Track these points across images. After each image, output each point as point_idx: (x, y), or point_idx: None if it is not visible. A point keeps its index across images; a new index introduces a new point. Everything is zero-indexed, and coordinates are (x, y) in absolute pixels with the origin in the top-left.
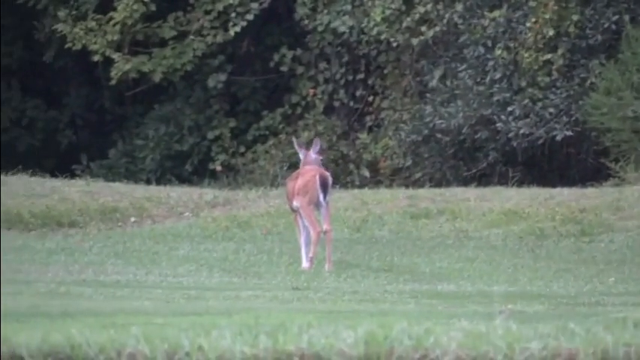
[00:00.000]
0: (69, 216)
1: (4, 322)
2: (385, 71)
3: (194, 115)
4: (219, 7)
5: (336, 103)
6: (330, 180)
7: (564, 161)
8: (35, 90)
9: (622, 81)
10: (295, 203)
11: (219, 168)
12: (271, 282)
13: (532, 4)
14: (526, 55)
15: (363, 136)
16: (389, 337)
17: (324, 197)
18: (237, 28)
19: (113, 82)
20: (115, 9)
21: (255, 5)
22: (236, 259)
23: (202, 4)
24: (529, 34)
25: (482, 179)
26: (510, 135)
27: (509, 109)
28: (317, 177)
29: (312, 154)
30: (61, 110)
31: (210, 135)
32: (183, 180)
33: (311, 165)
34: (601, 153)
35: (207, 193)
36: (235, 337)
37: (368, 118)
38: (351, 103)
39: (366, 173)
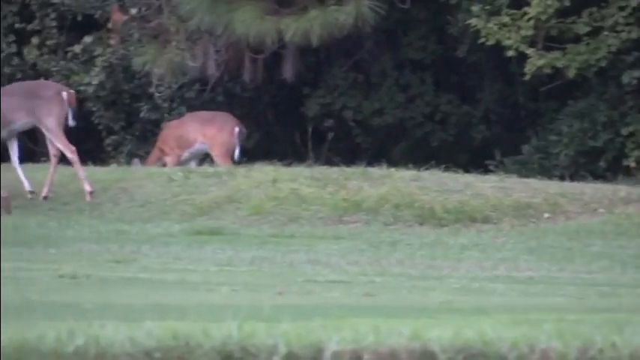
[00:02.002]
0: (482, 212)
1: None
2: None
3: (608, 111)
4: (634, 3)
5: None
6: None
7: None
8: (449, 85)
9: None
10: None
11: (633, 164)
12: None
13: None
14: None
15: None
16: None
17: None
18: None
19: (527, 77)
20: (529, 4)
21: None
22: None
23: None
24: None
25: None
26: None
27: None
28: None
29: None
30: (474, 105)
31: (624, 131)
32: (597, 176)
33: None
34: None
35: (621, 189)
36: None
37: None
38: None
39: None
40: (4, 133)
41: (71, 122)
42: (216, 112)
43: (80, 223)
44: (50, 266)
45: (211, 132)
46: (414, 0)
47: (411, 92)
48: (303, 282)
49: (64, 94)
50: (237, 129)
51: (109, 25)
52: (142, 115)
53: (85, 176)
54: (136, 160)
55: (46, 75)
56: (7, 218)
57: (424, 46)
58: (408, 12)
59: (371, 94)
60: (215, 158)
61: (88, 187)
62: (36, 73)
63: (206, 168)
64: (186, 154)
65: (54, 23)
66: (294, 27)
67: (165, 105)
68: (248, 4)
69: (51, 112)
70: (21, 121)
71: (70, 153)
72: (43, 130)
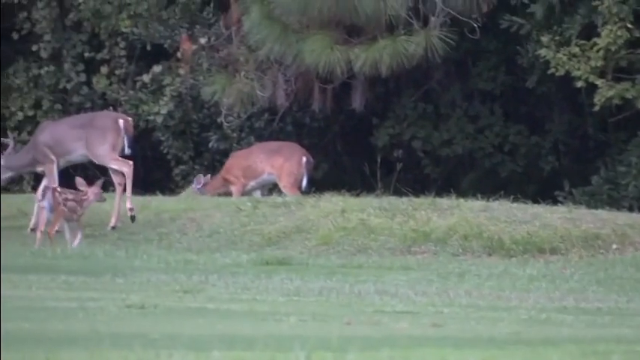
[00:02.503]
0: (551, 243)
1: None
2: None
3: None
4: None
5: None
6: None
7: None
8: (518, 116)
9: None
10: None
11: None
12: None
13: None
14: None
15: None
16: None
17: None
18: None
19: (596, 108)
20: (598, 35)
21: None
22: None
23: None
24: None
25: None
26: None
27: None
28: None
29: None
30: (543, 136)
31: None
32: None
33: None
34: None
35: None
36: None
37: None
38: None
39: None
40: (61, 162)
41: (127, 150)
42: (283, 142)
43: (148, 253)
44: (118, 296)
45: (279, 162)
46: (483, 30)
47: (480, 123)
48: (371, 312)
49: (121, 121)
50: (304, 159)
51: (179, 55)
52: (210, 144)
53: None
54: (199, 176)
55: (115, 104)
56: (6, 245)
57: (494, 76)
58: (477, 42)
59: (440, 124)
60: (283, 189)
61: (129, 206)
62: (105, 102)
63: (274, 198)
64: (252, 184)
65: (123, 52)
66: (364, 57)
67: (234, 135)
68: (318, 33)
69: (105, 140)
70: (77, 152)
71: (127, 167)
72: (95, 160)
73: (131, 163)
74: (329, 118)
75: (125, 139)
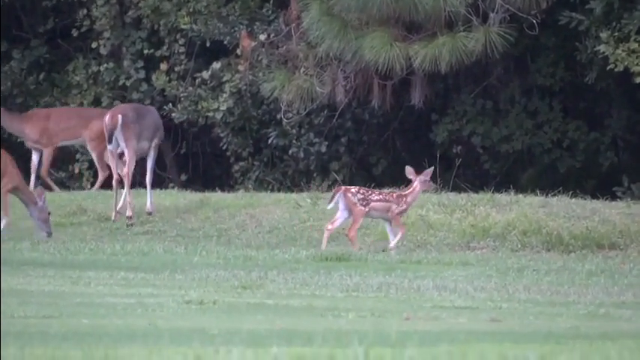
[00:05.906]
0: (609, 238)
1: None
2: None
3: None
4: None
5: None
6: None
7: None
8: (576, 112)
9: None
10: None
11: None
12: None
13: None
14: None
15: None
16: None
17: None
18: None
19: None
20: None
21: None
22: None
23: None
24: None
25: None
26: None
27: None
28: None
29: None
30: (602, 132)
31: None
32: None
33: None
34: None
35: None
36: None
37: None
38: None
39: None
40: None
41: (121, 144)
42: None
43: (207, 249)
44: (177, 292)
45: (97, 125)
46: (542, 27)
47: (539, 119)
48: (430, 308)
49: (106, 117)
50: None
51: (238, 51)
52: (270, 141)
53: (124, 203)
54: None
55: (174, 101)
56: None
57: (553, 72)
58: (536, 38)
59: (499, 120)
60: (92, 151)
61: (129, 212)
62: (164, 99)
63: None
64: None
65: (182, 49)
66: (423, 53)
67: (294, 131)
68: (377, 30)
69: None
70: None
71: (101, 176)
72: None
73: (108, 173)
74: (388, 114)
75: (114, 133)
